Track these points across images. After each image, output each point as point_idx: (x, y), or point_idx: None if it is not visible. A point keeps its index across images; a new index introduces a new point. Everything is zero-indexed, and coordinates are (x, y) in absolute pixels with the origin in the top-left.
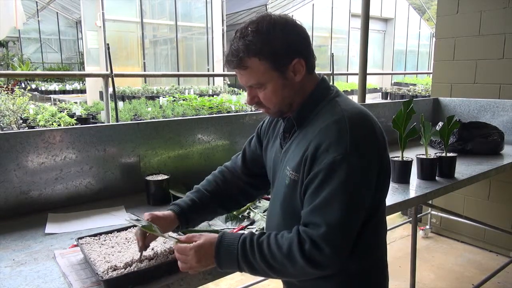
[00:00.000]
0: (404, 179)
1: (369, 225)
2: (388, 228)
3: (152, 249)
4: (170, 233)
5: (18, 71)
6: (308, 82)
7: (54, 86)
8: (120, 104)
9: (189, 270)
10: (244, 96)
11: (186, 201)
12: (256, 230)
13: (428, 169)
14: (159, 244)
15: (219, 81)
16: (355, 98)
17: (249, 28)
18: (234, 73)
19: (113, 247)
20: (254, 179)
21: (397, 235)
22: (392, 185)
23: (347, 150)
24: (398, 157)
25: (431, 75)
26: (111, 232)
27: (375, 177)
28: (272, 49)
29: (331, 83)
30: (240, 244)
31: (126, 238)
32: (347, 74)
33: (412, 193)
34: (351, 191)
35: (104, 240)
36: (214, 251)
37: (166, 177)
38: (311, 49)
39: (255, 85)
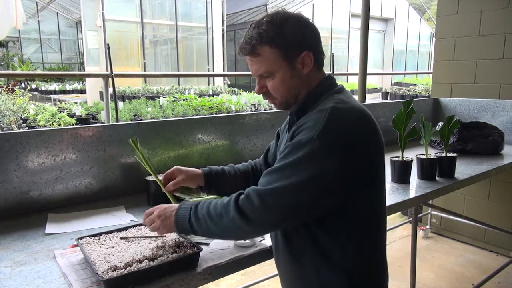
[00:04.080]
0: (404, 179)
1: (355, 220)
2: (388, 228)
3: (152, 249)
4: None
5: (18, 71)
6: (315, 77)
7: (54, 86)
8: (120, 104)
9: (153, 229)
10: (244, 96)
11: (217, 168)
12: None
13: (428, 169)
14: (159, 244)
15: (219, 81)
16: (355, 98)
17: (264, 19)
18: (234, 73)
19: (113, 247)
20: None
21: (397, 235)
22: (392, 185)
23: (313, 136)
24: (398, 157)
25: (431, 75)
26: (111, 232)
27: (341, 170)
28: (284, 39)
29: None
30: (196, 202)
31: (126, 238)
32: (347, 74)
33: (412, 193)
34: (304, 171)
35: (104, 240)
36: (175, 211)
37: None
38: (321, 45)
39: (265, 74)
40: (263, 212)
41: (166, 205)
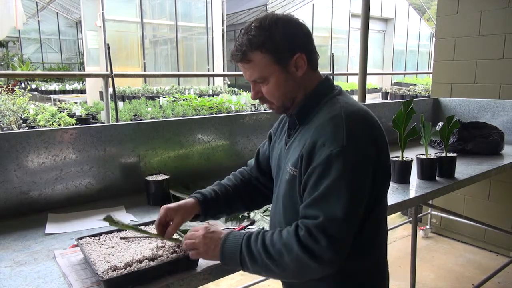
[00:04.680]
0: (404, 179)
1: (367, 224)
2: (388, 228)
3: (152, 249)
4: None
5: (18, 71)
6: (311, 78)
7: (54, 86)
8: (120, 104)
9: (193, 246)
10: (244, 96)
11: (209, 191)
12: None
13: (428, 169)
14: (159, 244)
15: (219, 81)
16: (355, 98)
17: (253, 25)
18: (234, 73)
19: (113, 247)
20: (268, 181)
21: (397, 235)
22: (392, 185)
23: (343, 144)
24: (398, 157)
25: (431, 75)
26: (111, 232)
27: (372, 172)
28: (274, 43)
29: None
30: (247, 234)
31: (126, 238)
32: (347, 74)
33: (412, 193)
34: (348, 185)
35: (104, 240)
36: (222, 238)
37: (166, 177)
38: (313, 46)
39: (258, 80)
40: (333, 246)
41: (212, 227)
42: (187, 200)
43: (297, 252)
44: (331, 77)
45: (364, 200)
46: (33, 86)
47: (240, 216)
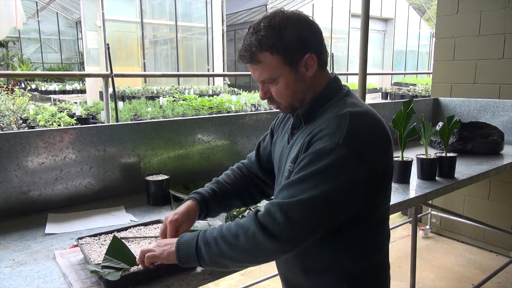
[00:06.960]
0: (404, 179)
1: (368, 225)
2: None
3: None
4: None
5: (18, 71)
6: (320, 78)
7: (54, 86)
8: (120, 104)
9: (152, 258)
10: (244, 96)
11: (207, 190)
12: None
13: (428, 169)
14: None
15: (219, 81)
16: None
17: (262, 24)
18: (234, 73)
19: None
20: (267, 176)
21: (397, 235)
22: (392, 185)
23: (339, 142)
24: (398, 157)
25: (431, 75)
26: (111, 232)
27: (365, 176)
28: (285, 43)
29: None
30: (204, 229)
31: (126, 238)
32: (347, 74)
33: (412, 193)
34: (330, 181)
35: (104, 240)
36: (178, 238)
37: (166, 177)
38: (324, 45)
39: (267, 80)
40: (289, 227)
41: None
42: (188, 205)
43: (253, 230)
44: None
45: (345, 201)
46: (33, 86)
47: (240, 216)
